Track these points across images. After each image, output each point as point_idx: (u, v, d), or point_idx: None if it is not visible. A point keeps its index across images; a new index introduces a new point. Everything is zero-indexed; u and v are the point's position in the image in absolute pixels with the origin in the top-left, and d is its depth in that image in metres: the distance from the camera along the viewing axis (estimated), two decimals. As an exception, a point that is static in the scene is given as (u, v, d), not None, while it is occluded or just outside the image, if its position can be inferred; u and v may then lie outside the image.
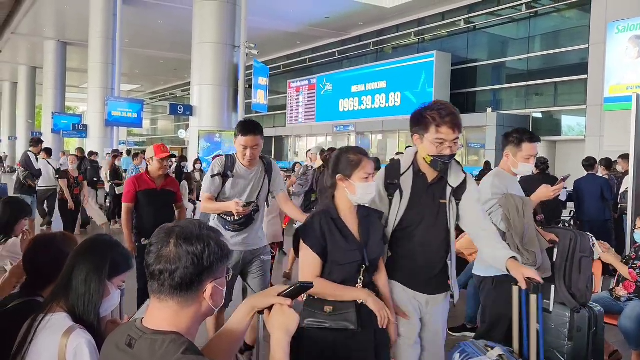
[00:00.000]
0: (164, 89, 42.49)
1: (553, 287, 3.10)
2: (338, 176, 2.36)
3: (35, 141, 9.58)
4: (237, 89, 12.92)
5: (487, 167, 13.73)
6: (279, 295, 1.46)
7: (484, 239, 2.62)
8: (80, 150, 11.48)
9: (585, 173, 7.94)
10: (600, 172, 8.59)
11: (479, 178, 8.39)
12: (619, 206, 7.93)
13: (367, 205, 2.44)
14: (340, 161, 2.37)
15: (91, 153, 12.43)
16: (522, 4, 17.57)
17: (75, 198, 8.61)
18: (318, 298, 2.30)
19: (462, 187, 2.59)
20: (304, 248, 2.32)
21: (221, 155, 8.23)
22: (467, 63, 19.63)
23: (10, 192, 9.26)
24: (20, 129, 36.43)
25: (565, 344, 3.16)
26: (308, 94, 24.95)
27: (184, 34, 20.63)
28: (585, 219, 7.67)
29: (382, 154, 20.76)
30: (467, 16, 19.47)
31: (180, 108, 13.41)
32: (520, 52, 18.09)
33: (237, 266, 3.63)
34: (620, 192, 7.89)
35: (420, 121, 2.49)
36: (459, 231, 2.78)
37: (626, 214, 7.48)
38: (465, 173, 2.63)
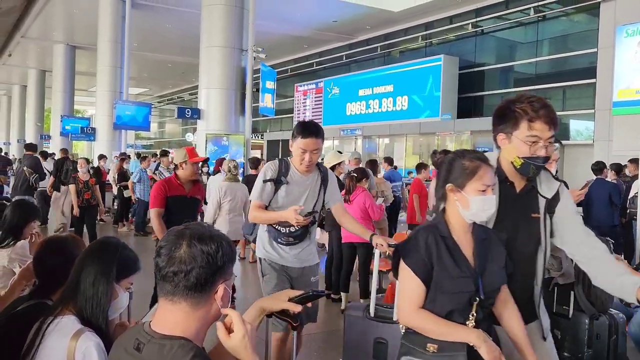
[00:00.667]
0: (172, 92, 42.69)
1: (572, 293, 3.05)
2: (448, 186, 1.98)
3: (33, 146, 10.16)
4: (245, 93, 12.96)
5: (494, 171, 13.72)
6: (290, 300, 1.47)
7: (596, 261, 2.12)
8: (64, 150, 11.60)
9: (594, 177, 7.91)
10: (610, 176, 8.55)
11: None
12: (628, 211, 7.89)
13: (484, 223, 2.03)
14: (453, 168, 1.99)
15: (101, 156, 12.52)
16: (530, 8, 17.52)
17: (87, 202, 8.26)
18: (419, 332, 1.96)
19: (555, 197, 2.18)
20: (404, 269, 1.97)
21: (227, 158, 8.26)
22: (475, 67, 19.60)
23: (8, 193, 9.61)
24: (29, 131, 36.67)
25: (585, 351, 3.12)
26: (315, 97, 24.99)
27: (192, 37, 20.70)
28: (594, 224, 7.61)
29: (389, 158, 20.73)
30: (474, 20, 19.45)
31: (188, 111, 13.48)
32: (529, 56, 18.05)
33: (284, 281, 3.25)
34: (629, 197, 7.85)
35: (506, 116, 2.10)
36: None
37: (635, 219, 7.45)
38: (559, 180, 2.22)
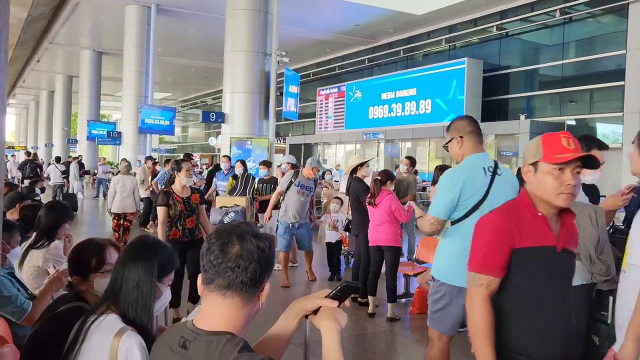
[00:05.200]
0: (195, 96, 43.13)
1: (611, 298, 2.98)
2: None
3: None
4: (269, 97, 13.02)
5: (520, 175, 13.53)
6: (326, 297, 1.47)
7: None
8: (27, 153, 12.39)
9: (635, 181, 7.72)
10: (641, 180, 8.35)
11: None
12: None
13: None
14: None
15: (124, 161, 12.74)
16: (555, 10, 17.29)
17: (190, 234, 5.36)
18: None
19: None
20: None
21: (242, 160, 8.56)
22: (499, 70, 19.40)
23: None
24: (57, 136, 37.39)
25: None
26: (337, 101, 25.00)
27: (216, 42, 20.95)
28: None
29: (412, 162, 20.60)
30: (499, 22, 19.27)
31: (213, 115, 13.58)
32: (554, 59, 17.80)
33: None
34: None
35: None
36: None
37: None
38: None
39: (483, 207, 2.94)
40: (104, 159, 23.03)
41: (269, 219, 7.34)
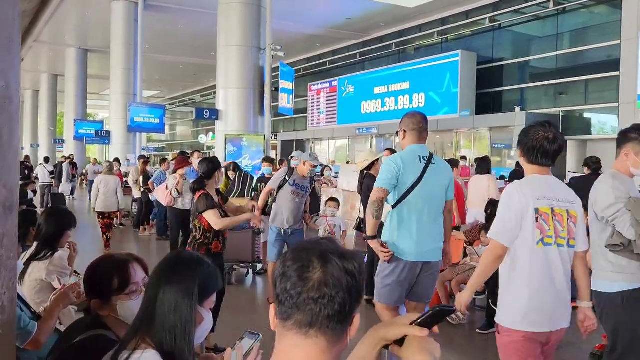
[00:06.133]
0: (183, 94, 42.64)
1: None
2: None
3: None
4: (263, 92, 12.74)
5: (519, 167, 13.40)
6: (411, 324, 1.20)
7: None
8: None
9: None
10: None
11: (511, 179, 8.10)
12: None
13: None
14: None
15: (115, 160, 12.41)
16: (549, 1, 17.18)
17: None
18: None
19: None
20: None
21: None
22: (493, 62, 19.27)
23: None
24: (42, 136, 36.78)
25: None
26: (329, 96, 24.76)
27: (205, 38, 20.64)
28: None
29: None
30: (492, 14, 19.12)
31: (206, 112, 13.25)
32: (548, 50, 17.70)
33: None
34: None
35: None
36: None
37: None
38: None
39: (417, 191, 3.48)
40: (95, 159, 22.62)
41: (260, 222, 5.43)
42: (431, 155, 3.65)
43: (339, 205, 7.02)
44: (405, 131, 3.70)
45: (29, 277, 3.08)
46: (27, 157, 18.18)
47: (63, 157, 21.92)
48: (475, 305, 5.38)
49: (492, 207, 5.15)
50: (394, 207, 3.58)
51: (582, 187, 6.38)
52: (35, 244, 3.24)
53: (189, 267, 1.61)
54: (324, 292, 1.04)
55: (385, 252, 3.50)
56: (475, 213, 7.04)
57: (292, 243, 5.77)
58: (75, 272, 3.40)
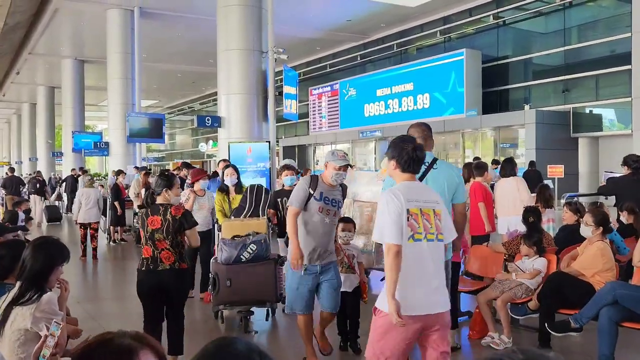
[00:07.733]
0: (182, 102, 42.26)
1: None
2: None
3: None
4: (267, 97, 12.28)
5: (532, 167, 12.95)
6: None
7: None
8: (11, 169, 11.96)
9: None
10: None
11: (526, 180, 7.61)
12: None
13: None
14: None
15: (119, 172, 11.93)
16: (554, -5, 16.82)
17: None
18: None
19: None
20: None
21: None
22: (498, 60, 18.87)
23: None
24: (41, 149, 36.37)
25: None
26: (331, 100, 24.34)
27: (203, 45, 20.24)
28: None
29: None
30: (495, 11, 18.74)
31: (208, 119, 12.78)
32: (556, 46, 17.30)
33: None
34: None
35: None
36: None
37: None
38: None
39: None
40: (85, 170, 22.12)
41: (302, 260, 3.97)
42: (434, 160, 3.66)
43: (354, 227, 4.81)
44: None
45: (10, 327, 2.53)
46: (38, 172, 17.81)
47: (73, 169, 21.15)
48: (519, 325, 4.86)
49: (532, 214, 4.68)
50: None
51: (625, 187, 5.94)
52: (18, 283, 2.65)
53: None
54: None
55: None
56: (507, 222, 6.36)
57: (326, 284, 4.07)
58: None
